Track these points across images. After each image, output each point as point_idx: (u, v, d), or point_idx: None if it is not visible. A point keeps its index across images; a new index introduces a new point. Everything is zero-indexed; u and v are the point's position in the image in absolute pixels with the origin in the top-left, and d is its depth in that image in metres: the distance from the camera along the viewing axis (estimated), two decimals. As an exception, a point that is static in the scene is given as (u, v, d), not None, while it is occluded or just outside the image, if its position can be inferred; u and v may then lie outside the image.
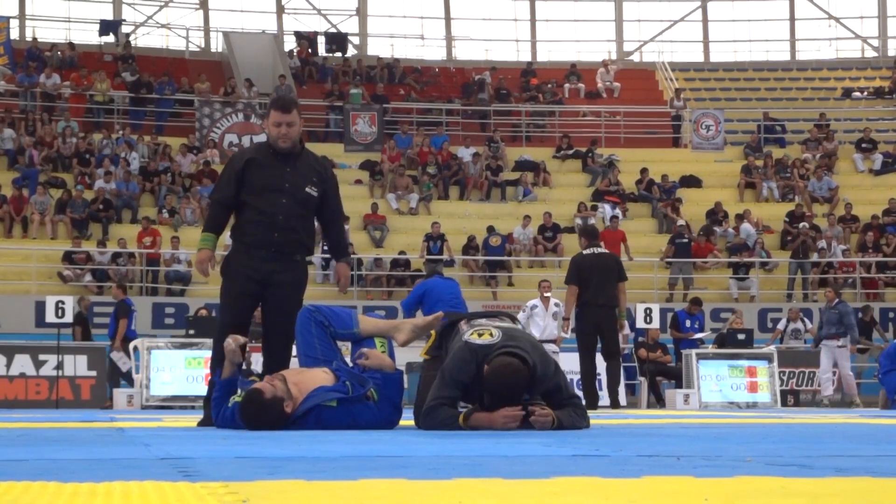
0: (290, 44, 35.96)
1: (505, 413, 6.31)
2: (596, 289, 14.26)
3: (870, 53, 38.53)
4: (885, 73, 36.11)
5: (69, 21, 36.65)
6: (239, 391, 6.83)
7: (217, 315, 8.15)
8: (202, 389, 17.10)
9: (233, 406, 6.78)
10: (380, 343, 7.19)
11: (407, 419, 7.06)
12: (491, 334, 6.53)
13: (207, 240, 7.94)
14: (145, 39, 36.74)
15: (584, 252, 14.60)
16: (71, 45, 33.29)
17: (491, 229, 26.56)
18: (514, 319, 7.11)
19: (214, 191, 8.29)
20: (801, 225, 27.09)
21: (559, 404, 6.51)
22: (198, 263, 7.95)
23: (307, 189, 7.81)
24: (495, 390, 6.33)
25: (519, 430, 6.67)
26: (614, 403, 14.78)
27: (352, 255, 25.27)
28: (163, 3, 37.43)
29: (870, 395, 21.68)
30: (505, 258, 26.09)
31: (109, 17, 35.91)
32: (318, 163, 8.05)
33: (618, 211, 28.17)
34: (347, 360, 7.24)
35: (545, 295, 18.47)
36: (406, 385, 7.49)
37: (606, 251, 15.61)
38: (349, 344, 7.40)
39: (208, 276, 8.43)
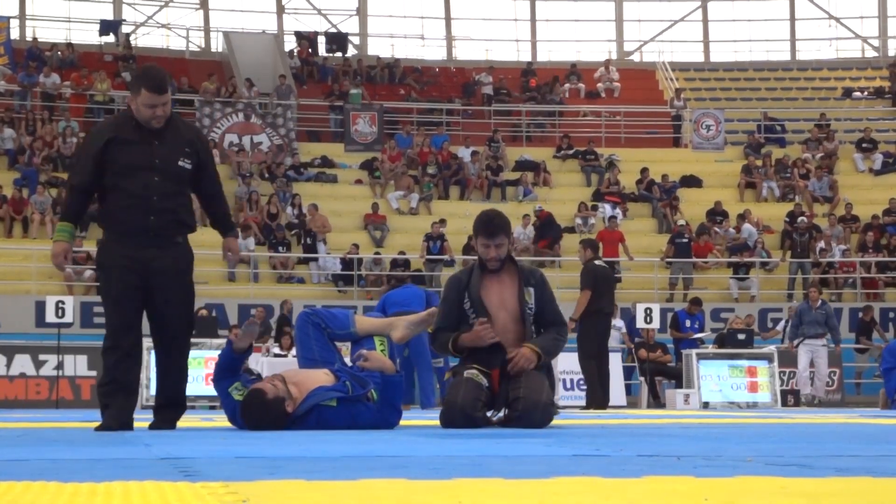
0: (290, 44, 35.96)
1: (479, 330, 7.15)
2: (607, 298, 15.38)
3: (870, 53, 38.52)
4: (886, 72, 36.11)
5: (69, 21, 36.67)
6: (240, 384, 6.81)
7: (106, 316, 7.14)
8: (202, 389, 17.16)
9: (234, 405, 6.78)
10: (379, 342, 7.20)
11: (406, 419, 7.07)
12: None
13: (64, 230, 7.02)
14: (145, 39, 36.76)
15: (597, 262, 15.53)
16: (71, 46, 33.29)
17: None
18: None
19: (71, 175, 7.36)
20: (799, 220, 27.10)
21: (548, 324, 7.44)
22: (53, 257, 7.02)
23: (180, 163, 7.05)
24: (480, 222, 7.33)
25: (519, 430, 6.68)
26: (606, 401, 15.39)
27: (352, 255, 25.28)
28: (163, 3, 37.43)
29: (870, 394, 21.69)
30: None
31: (110, 17, 35.91)
32: (187, 130, 7.31)
33: (618, 211, 28.17)
34: (347, 360, 7.25)
35: None
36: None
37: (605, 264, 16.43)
38: (349, 344, 7.42)
39: (65, 271, 7.76)
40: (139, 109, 6.96)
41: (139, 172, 6.96)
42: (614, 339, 21.61)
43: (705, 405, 18.31)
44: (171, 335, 7.11)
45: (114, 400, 6.90)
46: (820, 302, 20.19)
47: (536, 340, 7.29)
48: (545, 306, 7.40)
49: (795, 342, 19.98)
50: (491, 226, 7.30)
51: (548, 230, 26.78)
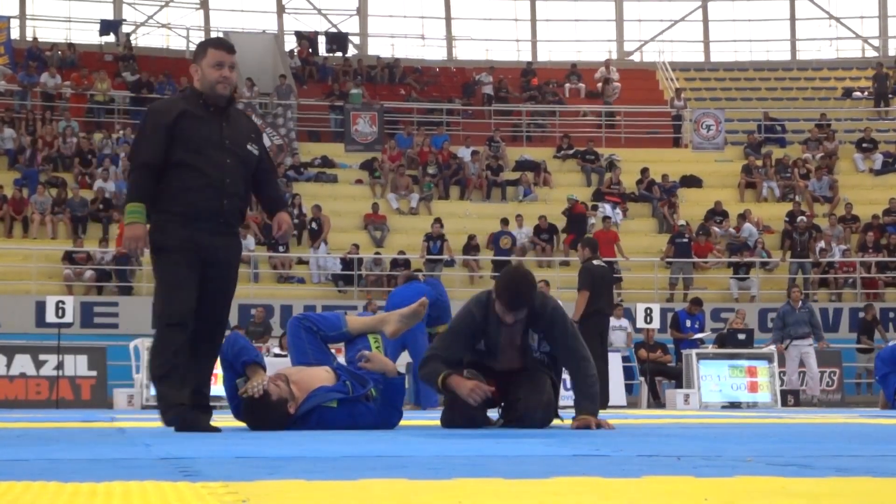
0: (290, 43, 35.97)
1: (473, 385, 6.75)
2: (605, 299, 15.36)
3: (870, 53, 38.52)
4: (886, 72, 36.08)
5: (69, 21, 36.68)
6: (243, 381, 6.78)
7: (161, 304, 6.61)
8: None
9: (236, 403, 6.78)
10: (373, 340, 7.19)
11: (407, 419, 7.07)
12: None
13: (138, 212, 6.51)
14: (146, 39, 36.77)
15: (595, 263, 15.43)
16: (71, 46, 33.29)
17: (502, 231, 26.43)
18: None
19: (138, 152, 6.67)
20: (799, 219, 27.11)
21: (567, 363, 7.06)
22: (131, 241, 6.53)
23: (248, 146, 6.74)
24: (505, 289, 6.78)
25: (519, 430, 6.68)
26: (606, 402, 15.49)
27: (352, 255, 25.29)
28: (163, 3, 37.44)
29: (869, 395, 21.70)
30: (511, 258, 26.05)
31: (110, 16, 35.92)
32: (248, 118, 7.16)
33: (618, 211, 28.17)
34: (341, 359, 7.24)
35: None
36: (407, 385, 7.51)
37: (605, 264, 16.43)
38: (342, 345, 7.41)
39: (142, 255, 7.08)
40: (205, 74, 6.61)
41: (212, 151, 6.58)
42: (620, 340, 21.65)
43: (704, 406, 18.31)
44: (212, 330, 6.71)
45: (180, 390, 6.49)
46: (801, 302, 20.21)
47: (578, 400, 6.93)
48: (558, 346, 7.02)
49: (784, 344, 19.99)
50: (518, 301, 6.80)
51: (575, 226, 26.73)
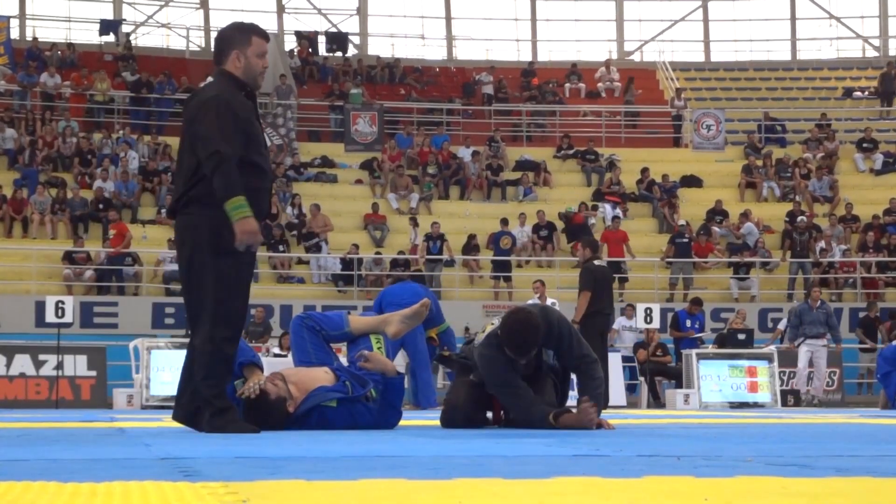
0: (290, 43, 35.97)
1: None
2: (606, 299, 15.34)
3: (871, 53, 38.52)
4: (892, 72, 36.08)
5: (69, 21, 36.68)
6: (240, 383, 6.79)
7: (224, 307, 6.28)
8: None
9: (238, 402, 6.77)
10: (375, 340, 7.20)
11: (407, 419, 7.07)
12: (491, 324, 7.18)
13: (246, 206, 6.16)
14: (145, 39, 36.77)
15: (596, 263, 15.46)
16: (71, 45, 33.29)
17: (502, 231, 26.42)
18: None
19: (221, 142, 6.24)
20: (799, 219, 27.11)
21: (574, 367, 7.11)
22: (248, 235, 6.15)
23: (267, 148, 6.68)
24: (510, 340, 6.78)
25: (519, 431, 6.68)
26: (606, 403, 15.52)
27: (352, 255, 25.28)
28: (163, 3, 37.44)
29: (870, 394, 21.69)
30: (510, 258, 26.05)
31: (110, 16, 35.92)
32: None
33: (618, 211, 28.16)
34: (343, 360, 7.25)
35: (537, 296, 18.88)
36: (406, 385, 7.52)
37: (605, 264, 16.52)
38: (345, 345, 7.42)
39: (258, 245, 6.45)
40: (251, 63, 6.43)
41: (265, 150, 6.44)
42: (627, 339, 21.66)
43: (705, 406, 18.31)
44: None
45: (228, 399, 6.32)
46: (819, 302, 20.17)
47: (586, 394, 6.97)
48: (565, 352, 7.10)
49: (797, 342, 19.95)
50: (525, 348, 6.82)
51: (577, 235, 26.47)
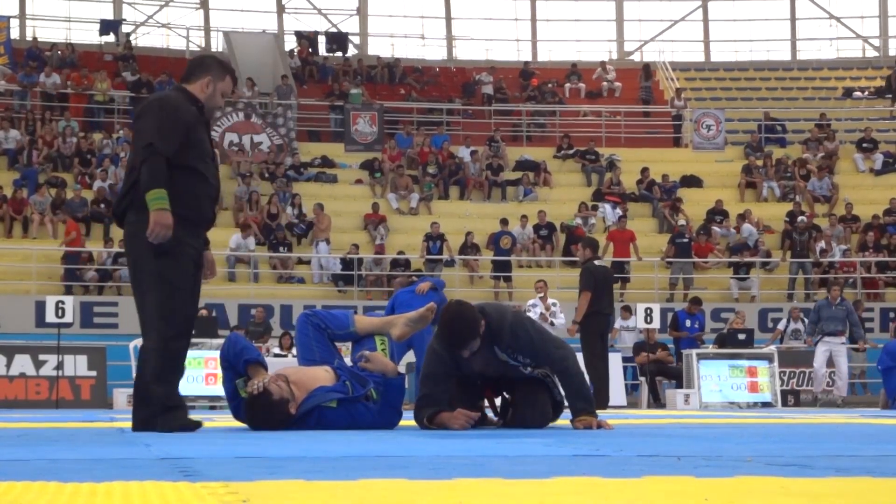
0: (290, 43, 35.97)
1: (457, 415, 6.65)
2: (606, 299, 15.39)
3: (871, 53, 38.52)
4: (886, 72, 36.10)
5: (69, 21, 36.69)
6: (243, 381, 6.78)
7: (167, 306, 6.52)
8: (202, 389, 17.18)
9: (239, 401, 6.77)
10: (380, 341, 7.20)
11: (407, 420, 7.07)
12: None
13: (164, 198, 6.37)
14: (146, 39, 36.78)
15: (596, 263, 15.51)
16: (71, 45, 33.29)
17: (502, 231, 26.41)
18: None
19: (157, 141, 6.45)
20: (799, 219, 27.10)
21: (551, 369, 6.92)
22: (162, 227, 6.35)
23: (217, 158, 7.04)
24: (442, 334, 6.69)
25: (519, 430, 6.68)
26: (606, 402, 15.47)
27: (352, 255, 25.28)
28: (163, 3, 37.44)
29: (871, 394, 21.68)
30: (510, 258, 26.05)
31: (110, 16, 35.93)
32: None
33: (618, 211, 28.17)
34: (347, 360, 7.25)
35: (540, 296, 18.91)
36: (407, 385, 7.51)
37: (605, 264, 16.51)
38: (349, 344, 7.42)
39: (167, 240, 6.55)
40: (214, 95, 6.73)
41: (210, 160, 6.70)
42: (629, 339, 21.66)
43: (705, 406, 18.30)
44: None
45: (179, 397, 6.66)
46: (840, 299, 20.09)
47: (571, 402, 6.82)
48: (530, 354, 6.83)
49: (815, 339, 19.88)
50: (457, 340, 6.65)
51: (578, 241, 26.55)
